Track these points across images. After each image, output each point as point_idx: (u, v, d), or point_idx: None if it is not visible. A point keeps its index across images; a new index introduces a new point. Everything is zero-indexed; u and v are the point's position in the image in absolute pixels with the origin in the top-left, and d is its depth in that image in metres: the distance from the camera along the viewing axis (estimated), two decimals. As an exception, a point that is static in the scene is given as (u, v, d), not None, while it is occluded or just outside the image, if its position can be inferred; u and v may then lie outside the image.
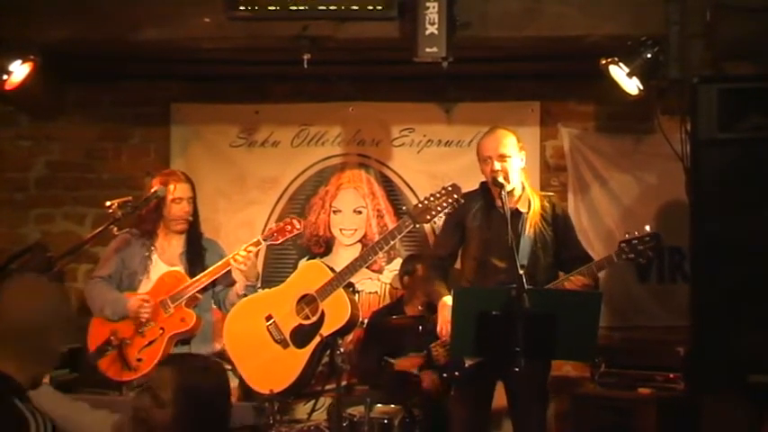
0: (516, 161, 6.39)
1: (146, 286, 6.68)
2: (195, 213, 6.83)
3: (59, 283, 3.76)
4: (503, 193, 6.13)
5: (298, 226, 6.72)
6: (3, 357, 3.56)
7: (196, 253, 6.76)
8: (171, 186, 6.67)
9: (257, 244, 6.65)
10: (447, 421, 6.81)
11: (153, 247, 6.75)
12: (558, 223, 6.53)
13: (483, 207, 6.46)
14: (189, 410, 3.83)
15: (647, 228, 6.27)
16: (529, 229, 6.37)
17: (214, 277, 6.59)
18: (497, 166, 6.32)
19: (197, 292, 6.58)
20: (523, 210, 6.41)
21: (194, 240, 6.81)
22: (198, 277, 6.58)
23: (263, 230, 8.46)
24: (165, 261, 6.74)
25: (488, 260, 6.42)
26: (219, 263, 6.61)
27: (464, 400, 6.53)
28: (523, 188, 6.49)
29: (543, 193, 6.73)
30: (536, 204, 6.47)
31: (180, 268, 6.70)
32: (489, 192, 6.48)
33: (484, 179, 6.51)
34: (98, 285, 6.73)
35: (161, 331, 6.50)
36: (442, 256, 6.71)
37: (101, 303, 6.64)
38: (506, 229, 6.03)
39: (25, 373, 3.61)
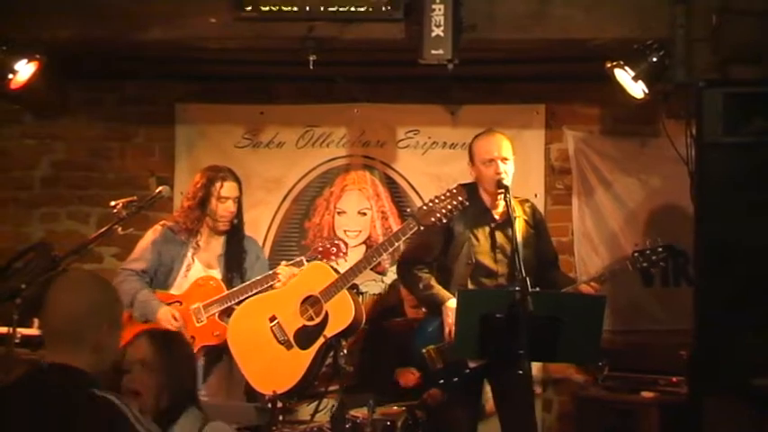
0: (512, 164, 6.43)
1: (180, 286, 6.66)
2: (240, 213, 6.81)
3: (103, 278, 3.93)
4: (508, 195, 6.13)
5: (344, 249, 6.75)
6: (67, 352, 3.63)
7: (235, 256, 6.73)
8: (217, 184, 6.64)
9: (299, 264, 6.65)
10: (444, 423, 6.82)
11: (193, 246, 6.72)
12: (539, 228, 6.58)
13: (471, 210, 6.43)
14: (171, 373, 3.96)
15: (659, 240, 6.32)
16: (519, 233, 6.37)
17: (251, 292, 6.57)
18: (501, 167, 6.33)
19: (233, 304, 6.59)
20: (514, 215, 6.41)
21: (235, 242, 6.77)
22: (234, 290, 6.56)
23: (267, 231, 8.49)
24: (202, 262, 6.72)
25: (482, 263, 6.43)
26: (259, 278, 6.59)
27: (458, 401, 6.53)
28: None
29: (520, 198, 6.75)
30: (519, 209, 6.50)
31: (217, 272, 6.67)
32: (477, 194, 6.48)
33: (470, 181, 6.53)
34: (130, 280, 6.67)
35: (192, 340, 6.44)
36: (428, 260, 6.68)
37: (130, 300, 6.59)
38: (507, 233, 6.08)
39: (93, 367, 3.67)
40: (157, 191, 6.71)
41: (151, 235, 6.80)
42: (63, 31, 6.97)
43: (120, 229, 6.49)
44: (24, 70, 6.93)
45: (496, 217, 6.48)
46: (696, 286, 6.39)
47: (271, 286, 6.57)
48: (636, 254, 6.35)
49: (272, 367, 6.50)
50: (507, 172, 6.36)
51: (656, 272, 6.49)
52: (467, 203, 6.30)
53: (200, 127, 8.72)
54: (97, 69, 8.37)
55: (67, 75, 8.25)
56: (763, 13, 6.35)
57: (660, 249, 6.33)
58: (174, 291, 6.67)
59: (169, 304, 6.64)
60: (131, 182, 8.63)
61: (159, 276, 6.73)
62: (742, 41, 6.38)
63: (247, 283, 6.60)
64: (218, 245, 6.76)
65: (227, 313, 6.58)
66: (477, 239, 6.47)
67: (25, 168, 8.83)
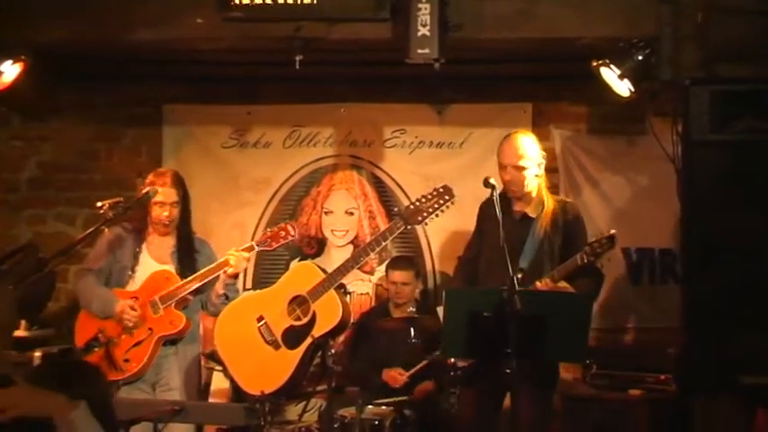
0: (533, 170, 6.37)
1: (134, 282, 6.68)
2: (186, 213, 6.82)
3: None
4: (494, 194, 6.11)
5: (292, 232, 6.73)
6: None
7: (187, 252, 6.75)
8: (156, 188, 6.65)
9: (250, 249, 6.65)
10: (450, 423, 6.81)
11: (144, 244, 6.76)
12: (567, 229, 6.47)
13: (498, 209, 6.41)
14: None
15: (613, 231, 6.24)
16: (537, 235, 6.34)
17: (205, 280, 6.58)
18: (511, 174, 6.31)
19: (188, 293, 6.59)
20: (533, 215, 6.39)
21: (185, 240, 6.79)
22: (189, 279, 6.57)
23: (255, 231, 8.48)
24: (155, 258, 6.74)
25: (497, 263, 6.40)
26: (212, 266, 6.60)
27: (469, 403, 6.51)
28: (538, 193, 6.45)
29: (559, 198, 6.73)
30: (548, 209, 6.42)
31: (170, 267, 6.69)
32: (506, 196, 6.43)
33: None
34: (87, 278, 6.74)
35: (149, 332, 6.51)
36: (469, 257, 6.72)
37: (89, 297, 6.66)
38: (514, 234, 6.07)
39: None
40: (144, 191, 6.69)
41: (105, 237, 6.81)
42: (52, 32, 6.97)
43: (106, 230, 6.52)
44: (9, 71, 6.92)
45: (516, 218, 6.45)
46: (683, 284, 6.40)
47: (224, 272, 6.57)
48: (586, 247, 6.29)
49: (260, 367, 6.50)
50: (521, 179, 6.31)
51: (600, 265, 6.40)
52: (453, 203, 6.31)
53: (187, 128, 8.72)
54: (85, 71, 8.34)
55: (55, 76, 8.22)
56: (749, 11, 6.36)
57: (605, 241, 6.25)
58: (129, 288, 6.67)
59: None
60: (119, 183, 8.63)
61: (114, 275, 6.76)
62: (728, 39, 6.38)
63: (201, 271, 6.61)
64: (169, 242, 6.79)
65: (182, 304, 6.60)
66: (495, 239, 6.40)
67: (13, 170, 8.83)
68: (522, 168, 6.34)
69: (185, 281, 6.56)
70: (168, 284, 6.57)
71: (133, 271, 6.71)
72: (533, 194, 6.43)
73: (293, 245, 7.93)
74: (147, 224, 6.75)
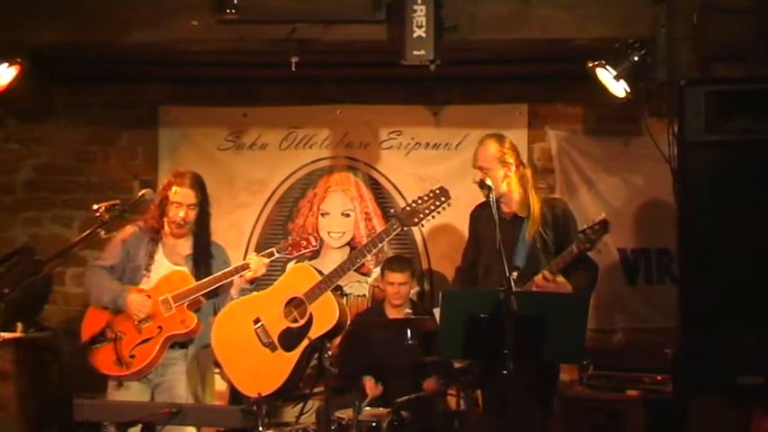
0: (498, 172, 6.37)
1: (148, 283, 6.62)
2: (205, 216, 6.74)
3: None
4: (490, 195, 6.10)
5: (314, 243, 6.71)
6: None
7: (203, 257, 6.68)
8: (173, 188, 6.61)
9: (270, 255, 6.62)
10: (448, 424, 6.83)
11: (160, 245, 6.70)
12: (557, 224, 6.47)
13: (489, 214, 6.42)
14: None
15: (604, 215, 6.22)
16: (528, 234, 6.35)
17: (221, 282, 6.53)
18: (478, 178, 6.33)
19: (201, 295, 6.54)
20: (522, 215, 6.40)
21: (202, 245, 6.73)
22: (205, 280, 6.50)
23: (251, 233, 8.48)
24: (170, 260, 6.66)
25: (493, 265, 6.40)
26: (230, 268, 6.57)
27: (484, 406, 6.52)
28: (524, 193, 6.45)
29: (546, 196, 6.72)
30: (536, 209, 6.42)
31: (185, 269, 6.64)
32: (497, 200, 6.42)
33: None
34: (99, 273, 6.63)
35: (158, 330, 6.43)
36: (466, 267, 6.75)
37: (99, 292, 6.57)
38: (507, 235, 6.06)
39: None
40: (140, 194, 6.67)
41: (120, 234, 6.73)
42: (46, 34, 6.96)
43: (103, 232, 6.46)
44: (6, 74, 6.92)
45: (506, 219, 6.45)
46: (680, 284, 6.39)
47: (241, 276, 6.54)
48: (580, 234, 6.26)
49: (256, 370, 6.48)
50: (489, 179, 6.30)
51: (596, 251, 6.38)
52: (449, 204, 6.32)
53: (183, 129, 8.72)
54: (81, 72, 8.35)
55: (51, 78, 8.21)
56: (744, 12, 6.36)
57: (597, 227, 6.22)
58: (142, 286, 6.62)
59: None
60: (115, 185, 8.63)
61: (128, 273, 6.67)
62: (724, 40, 6.39)
63: (217, 274, 6.56)
64: (185, 245, 6.72)
65: (195, 306, 6.55)
66: (489, 242, 6.41)
67: (8, 172, 8.82)
68: (486, 169, 6.35)
69: (200, 282, 6.50)
70: (184, 284, 6.53)
71: (147, 271, 6.63)
72: (515, 195, 6.44)
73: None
74: (163, 225, 6.70)
